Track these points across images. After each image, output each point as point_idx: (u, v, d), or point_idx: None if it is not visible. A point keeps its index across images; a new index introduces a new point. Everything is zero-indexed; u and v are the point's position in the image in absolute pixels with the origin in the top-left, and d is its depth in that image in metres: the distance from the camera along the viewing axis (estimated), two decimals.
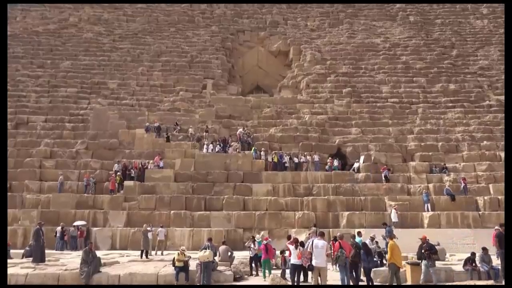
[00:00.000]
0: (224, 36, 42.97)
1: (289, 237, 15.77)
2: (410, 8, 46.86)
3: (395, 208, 23.90)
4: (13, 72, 36.17)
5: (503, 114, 32.19)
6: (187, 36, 42.94)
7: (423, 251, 14.00)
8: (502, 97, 34.19)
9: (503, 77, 36.22)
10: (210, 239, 16.74)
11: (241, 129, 30.89)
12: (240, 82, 40.98)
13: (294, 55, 41.30)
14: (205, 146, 29.11)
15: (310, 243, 12.38)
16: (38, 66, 37.66)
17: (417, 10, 46.62)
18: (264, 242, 15.70)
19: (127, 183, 26.23)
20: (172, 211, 24.47)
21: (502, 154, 27.69)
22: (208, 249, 15.03)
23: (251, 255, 16.19)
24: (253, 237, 16.89)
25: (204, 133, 30.83)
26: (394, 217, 23.48)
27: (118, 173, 26.52)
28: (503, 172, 22.87)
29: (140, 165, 27.26)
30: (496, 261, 14.80)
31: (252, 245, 16.25)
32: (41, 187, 26.68)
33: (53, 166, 28.14)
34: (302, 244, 13.30)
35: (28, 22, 43.70)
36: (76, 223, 22.83)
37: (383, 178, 27.05)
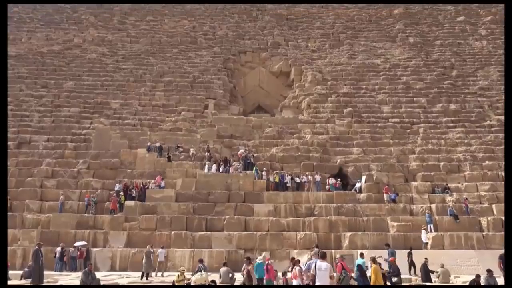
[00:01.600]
0: (226, 57, 43.47)
1: (292, 259, 15.60)
2: (409, 29, 47.47)
3: (424, 229, 23.67)
4: (17, 92, 36.53)
5: (504, 134, 32.29)
6: (189, 57, 43.45)
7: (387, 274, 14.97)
8: (503, 117, 34.28)
9: (503, 97, 36.37)
10: (201, 260, 16.55)
11: (242, 149, 30.95)
12: (242, 102, 41.24)
13: (295, 75, 41.67)
14: (207, 166, 29.08)
15: (313, 265, 12.21)
16: (41, 86, 38.03)
17: (416, 31, 47.21)
18: (266, 262, 15.49)
19: (128, 203, 26.14)
20: (172, 232, 24.29)
21: (504, 174, 27.54)
22: (202, 270, 14.81)
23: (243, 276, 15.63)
24: (248, 258, 16.46)
25: (206, 153, 30.85)
26: (424, 238, 23.21)
27: (121, 193, 26.47)
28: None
29: (141, 185, 27.21)
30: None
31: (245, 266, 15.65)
32: (41, 207, 26.59)
33: (54, 186, 28.11)
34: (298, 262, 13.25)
35: (33, 43, 44.33)
36: (76, 244, 22.65)
37: (391, 201, 26.77)
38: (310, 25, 49.23)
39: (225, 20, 49.99)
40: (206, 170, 28.88)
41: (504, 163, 28.44)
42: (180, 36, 46.57)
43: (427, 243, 23.38)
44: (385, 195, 27.20)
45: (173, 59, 42.77)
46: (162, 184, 27.64)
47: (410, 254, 20.97)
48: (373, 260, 14.77)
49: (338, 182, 28.62)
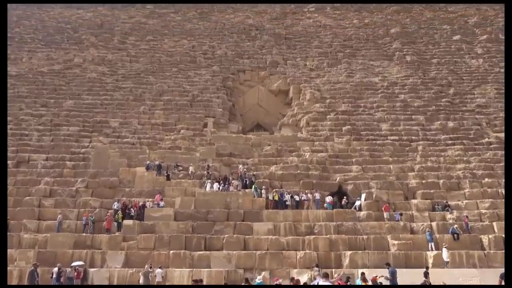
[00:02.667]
0: (225, 76, 43.82)
1: (292, 279, 15.42)
2: (406, 48, 48.03)
3: (445, 247, 23.43)
4: (17, 111, 36.64)
5: (503, 151, 32.33)
6: (188, 75, 43.80)
7: None
8: (501, 135, 34.40)
9: (501, 114, 36.68)
10: (199, 281, 16.21)
11: (241, 166, 30.92)
12: (241, 120, 41.39)
13: (294, 93, 41.96)
14: (208, 185, 28.94)
15: (316, 285, 12.07)
16: (41, 105, 38.18)
17: (413, 50, 47.76)
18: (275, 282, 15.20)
19: (126, 222, 25.92)
20: (171, 251, 24.02)
21: (504, 191, 27.47)
22: None
23: None
24: (246, 279, 16.30)
25: (205, 172, 30.78)
26: (445, 256, 22.91)
27: (119, 212, 26.29)
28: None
29: (140, 204, 27.06)
30: None
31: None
32: (39, 226, 26.34)
33: (52, 205, 27.92)
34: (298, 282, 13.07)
35: (34, 62, 44.70)
36: (74, 264, 22.36)
37: (396, 220, 26.52)
38: (308, 44, 49.83)
39: (224, 40, 50.59)
40: (208, 188, 28.75)
41: (504, 180, 28.42)
42: (180, 55, 47.03)
43: (448, 261, 22.84)
44: (385, 213, 27.04)
45: (173, 78, 43.08)
46: (161, 204, 27.49)
47: (426, 274, 19.85)
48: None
49: (332, 199, 28.49)
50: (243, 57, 47.06)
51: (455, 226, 25.28)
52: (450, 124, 36.05)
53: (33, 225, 26.27)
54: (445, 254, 22.97)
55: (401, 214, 26.93)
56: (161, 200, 27.71)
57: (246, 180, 29.67)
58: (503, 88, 40.01)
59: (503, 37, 48.55)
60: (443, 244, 23.82)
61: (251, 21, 55.21)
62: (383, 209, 27.33)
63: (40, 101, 38.70)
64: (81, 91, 40.50)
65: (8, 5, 49.89)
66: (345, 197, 29.30)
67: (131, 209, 26.84)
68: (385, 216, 26.92)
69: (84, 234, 25.47)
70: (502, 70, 42.84)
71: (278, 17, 56.63)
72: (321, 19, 55.76)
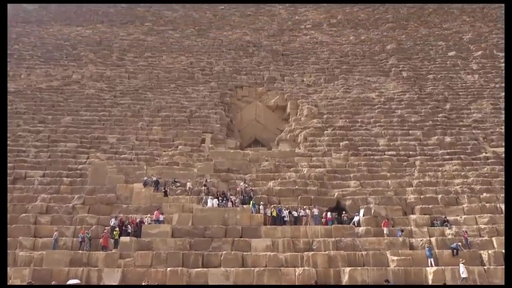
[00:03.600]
0: (223, 92, 44.05)
1: None
2: (402, 64, 48.51)
3: (462, 262, 23.16)
4: (14, 127, 36.62)
5: (501, 166, 32.44)
6: (186, 92, 44.01)
7: None
8: (498, 149, 34.59)
9: (497, 129, 36.91)
10: None
11: (242, 183, 30.90)
12: (239, 136, 41.44)
13: (291, 109, 42.15)
14: (209, 201, 28.78)
15: None
16: (39, 122, 38.18)
17: (409, 66, 48.23)
18: None
19: (123, 239, 25.67)
20: (168, 269, 23.72)
21: (503, 206, 27.47)
22: None
23: None
24: None
25: (203, 187, 30.67)
26: (463, 272, 22.57)
27: (116, 229, 26.07)
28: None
29: (137, 221, 26.85)
30: None
31: None
32: (35, 243, 26.04)
33: (48, 222, 27.69)
34: None
35: (32, 79, 44.87)
36: (69, 282, 22.06)
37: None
38: (305, 60, 50.29)
39: (222, 56, 51.02)
40: (209, 204, 28.59)
41: (503, 195, 28.44)
42: (178, 72, 47.33)
43: (466, 277, 22.47)
44: (384, 229, 26.87)
45: (171, 94, 43.28)
46: (161, 218, 27.34)
47: None
48: None
49: (330, 215, 28.36)
50: (240, 73, 47.39)
51: (459, 243, 25.04)
52: (447, 139, 36.18)
53: (28, 242, 25.99)
54: (462, 270, 22.66)
55: (402, 231, 26.71)
56: (162, 214, 27.53)
57: (245, 196, 29.54)
58: (499, 103, 40.46)
59: (498, 53, 49.28)
60: (460, 260, 23.49)
61: (248, 37, 55.79)
62: (382, 224, 27.19)
63: (38, 117, 38.72)
64: (79, 107, 40.58)
65: (8, 22, 50.35)
66: (344, 212, 29.19)
67: (128, 225, 26.62)
68: (384, 232, 26.75)
69: (80, 251, 25.18)
70: (498, 86, 43.30)
71: (275, 34, 57.29)
72: (317, 35, 56.42)
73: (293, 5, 66.57)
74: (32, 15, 60.22)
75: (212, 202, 28.57)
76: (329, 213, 28.55)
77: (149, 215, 27.65)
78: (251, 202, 28.73)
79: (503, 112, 38.92)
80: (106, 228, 26.52)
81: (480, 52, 49.56)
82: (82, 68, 47.36)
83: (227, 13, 64.04)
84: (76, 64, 48.02)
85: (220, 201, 28.88)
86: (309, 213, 28.37)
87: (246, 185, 30.97)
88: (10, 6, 60.35)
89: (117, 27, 57.81)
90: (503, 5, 61.57)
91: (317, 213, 28.38)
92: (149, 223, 27.06)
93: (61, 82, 44.56)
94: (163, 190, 30.06)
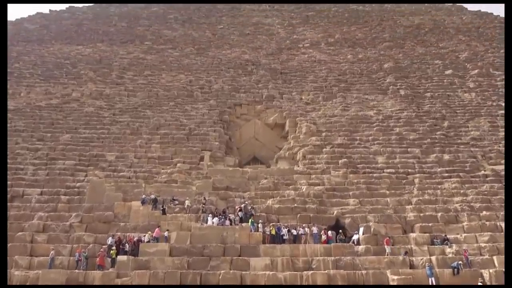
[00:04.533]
0: (222, 110, 44.22)
1: None
2: (400, 82, 48.91)
3: (481, 282, 22.85)
4: (13, 145, 36.56)
5: (500, 184, 32.43)
6: (185, 109, 44.18)
7: None
8: (497, 167, 34.62)
9: (495, 147, 37.03)
10: None
11: (242, 200, 30.78)
12: (237, 154, 41.43)
13: (290, 127, 42.28)
14: (209, 220, 28.56)
15: None
16: (38, 139, 38.16)
17: (406, 84, 48.62)
18: None
19: (120, 258, 25.38)
20: None
21: (503, 225, 27.34)
22: None
23: None
24: None
25: (201, 205, 30.50)
26: None
27: (113, 248, 25.79)
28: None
29: (135, 239, 26.60)
30: None
31: None
32: (30, 263, 25.73)
33: (45, 241, 27.40)
34: None
35: (32, 97, 45.02)
36: None
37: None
38: (303, 78, 50.68)
39: (221, 74, 51.41)
40: (209, 222, 28.36)
41: (503, 213, 28.34)
42: (177, 90, 47.61)
43: None
44: (386, 247, 26.61)
45: (170, 112, 43.42)
46: (166, 234, 27.20)
47: None
48: None
49: (330, 233, 28.17)
50: (239, 91, 47.69)
51: (460, 262, 24.83)
52: (446, 156, 36.23)
53: (24, 261, 25.67)
54: None
55: (406, 253, 26.37)
56: (167, 231, 27.46)
57: (246, 214, 29.36)
58: (497, 121, 40.71)
59: (494, 72, 49.82)
60: (479, 279, 23.20)
61: (247, 56, 56.33)
62: (384, 242, 26.92)
63: (36, 135, 38.73)
64: (78, 125, 40.64)
65: (8, 41, 50.85)
66: (340, 231, 28.91)
67: (126, 244, 26.35)
68: (386, 251, 26.47)
69: (76, 270, 24.84)
70: (495, 104, 43.63)
71: (273, 52, 57.88)
72: (315, 54, 57.00)
73: (291, 25, 67.52)
74: (33, 34, 60.81)
75: (212, 221, 28.36)
76: (329, 232, 28.33)
77: (149, 232, 27.42)
78: (250, 220, 28.55)
79: (501, 130, 39.14)
80: (103, 246, 26.25)
81: (476, 71, 50.06)
82: (81, 86, 47.58)
83: (226, 32, 64.85)
84: (76, 82, 48.25)
85: (220, 219, 28.68)
86: (308, 232, 28.16)
87: (247, 202, 30.80)
88: (11, 25, 61.09)
89: (117, 46, 58.36)
90: (498, 24, 62.63)
91: (316, 232, 28.17)
92: (148, 241, 26.77)
93: (61, 100, 44.70)
94: (161, 208, 29.87)
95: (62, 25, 64.84)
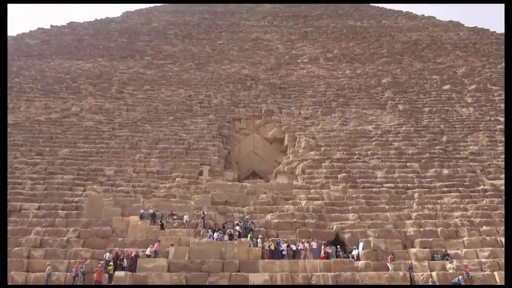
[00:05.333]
0: (221, 124, 44.32)
1: None
2: (398, 97, 49.18)
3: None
4: (11, 159, 36.47)
5: (499, 199, 32.35)
6: (185, 124, 44.28)
7: None
8: (496, 182, 34.60)
9: (494, 161, 37.05)
10: None
11: (242, 215, 30.61)
12: (236, 168, 41.37)
13: (289, 141, 42.34)
14: (209, 234, 28.34)
15: None
16: (36, 154, 38.11)
17: (405, 99, 48.88)
18: None
19: (117, 273, 25.06)
20: None
21: (503, 240, 27.16)
22: None
23: None
24: None
25: (200, 220, 30.32)
26: None
27: (111, 263, 25.53)
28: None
29: (133, 254, 26.35)
30: None
31: None
32: (27, 278, 25.41)
33: (41, 256, 27.12)
34: None
35: (31, 111, 45.13)
36: None
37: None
38: (302, 93, 50.96)
39: (220, 89, 51.68)
40: (209, 237, 28.16)
41: (503, 227, 28.20)
42: (176, 104, 47.78)
43: None
44: (389, 265, 26.32)
45: (169, 126, 43.51)
46: (170, 248, 27.04)
47: None
48: None
49: (328, 250, 27.92)
50: (238, 106, 47.87)
51: (460, 278, 24.60)
52: (445, 171, 36.21)
53: (20, 277, 25.35)
54: None
55: (410, 268, 26.11)
56: (171, 246, 27.30)
57: (246, 228, 29.16)
58: (495, 135, 40.84)
59: (492, 87, 50.17)
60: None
61: (246, 71, 56.73)
62: (387, 260, 26.59)
63: (35, 149, 38.70)
64: (77, 139, 40.65)
65: (9, 55, 51.22)
66: (338, 246, 28.67)
67: (124, 259, 26.09)
68: (390, 268, 26.15)
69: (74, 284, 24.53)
70: (493, 119, 43.82)
71: (272, 67, 58.31)
72: (314, 69, 57.44)
73: (290, 40, 68.18)
74: (34, 49, 61.29)
75: (213, 236, 28.16)
76: (328, 248, 28.08)
77: (150, 246, 27.21)
78: (249, 235, 28.35)
79: (500, 144, 39.25)
80: (101, 262, 25.99)
81: (474, 86, 50.41)
82: (81, 100, 47.75)
83: (225, 47, 65.44)
84: (76, 97, 48.44)
85: (221, 234, 28.50)
86: (307, 247, 27.94)
87: (246, 217, 30.62)
88: (12, 40, 61.61)
89: (117, 61, 58.79)
90: (495, 40, 63.36)
91: (315, 247, 27.95)
92: (148, 255, 26.54)
93: (60, 115, 44.80)
94: (160, 223, 29.67)
95: (63, 40, 65.44)
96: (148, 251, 26.73)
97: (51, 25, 71.74)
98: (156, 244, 27.26)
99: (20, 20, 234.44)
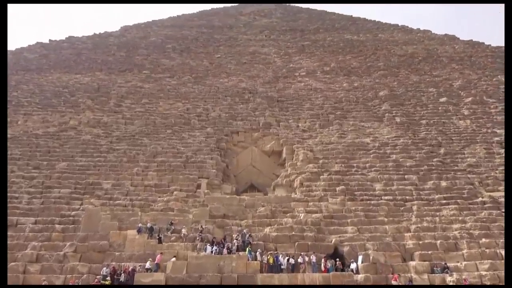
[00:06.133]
0: (219, 137, 44.36)
1: None
2: (395, 110, 49.42)
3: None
4: (8, 173, 36.25)
5: (498, 211, 32.31)
6: (182, 137, 44.28)
7: None
8: (495, 194, 34.58)
9: (492, 173, 37.10)
10: None
11: (240, 228, 30.47)
12: (235, 181, 41.26)
13: (287, 154, 42.35)
14: (208, 248, 28.13)
15: None
16: (33, 168, 37.96)
17: (402, 111, 49.12)
18: None
19: None
20: None
21: (503, 252, 27.04)
22: None
23: None
24: None
25: (198, 234, 30.11)
26: None
27: (108, 278, 25.25)
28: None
29: (130, 269, 26.09)
30: None
31: None
32: None
33: (37, 271, 26.80)
34: None
35: (29, 125, 45.08)
36: None
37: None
38: (300, 106, 51.16)
39: (218, 102, 51.84)
40: (208, 251, 27.95)
41: (503, 240, 28.09)
42: (174, 118, 47.85)
43: None
44: (393, 282, 26.04)
45: (167, 140, 43.49)
46: (173, 259, 26.86)
47: None
48: None
49: (329, 265, 27.68)
50: (236, 119, 47.97)
51: None
52: (443, 183, 36.21)
53: None
54: None
55: (410, 281, 25.88)
56: (174, 257, 27.20)
57: (244, 242, 28.96)
58: (492, 147, 40.97)
59: (488, 99, 50.51)
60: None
61: (244, 84, 57.00)
62: (392, 280, 26.28)
63: (32, 163, 38.55)
64: (75, 153, 40.54)
65: (8, 70, 51.33)
66: (337, 259, 28.41)
67: (121, 274, 25.82)
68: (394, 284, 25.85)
69: None
70: (490, 131, 44.02)
71: (270, 81, 58.63)
72: (311, 82, 57.77)
73: (287, 54, 68.70)
74: (32, 63, 61.54)
75: (212, 250, 27.96)
76: (328, 261, 27.83)
77: (150, 259, 26.99)
78: (247, 249, 28.15)
79: (497, 156, 39.37)
80: (97, 277, 25.71)
81: (470, 99, 50.75)
82: (79, 114, 47.76)
83: (223, 61, 65.86)
84: (74, 111, 48.46)
85: (221, 248, 28.30)
86: (306, 260, 27.73)
87: (245, 231, 30.44)
88: (10, 54, 61.86)
89: (115, 74, 59.02)
90: (490, 53, 64.04)
91: (314, 260, 27.74)
92: (148, 268, 26.28)
93: (58, 128, 44.76)
94: (157, 237, 29.45)
95: (61, 54, 65.76)
96: (148, 264, 26.50)
97: (49, 40, 72.20)
98: (158, 256, 27.10)
99: (19, 35, 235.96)
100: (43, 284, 24.93)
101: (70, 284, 24.99)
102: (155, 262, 26.71)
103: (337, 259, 28.44)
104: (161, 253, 27.46)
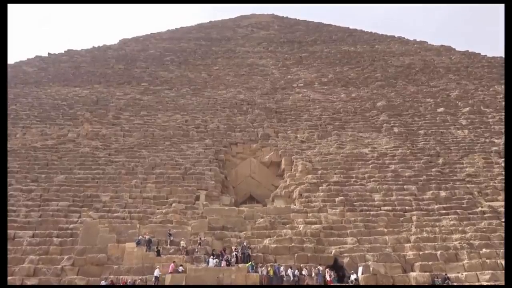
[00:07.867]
0: (218, 149, 44.35)
1: None
2: (393, 120, 49.57)
3: None
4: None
5: (498, 221, 32.22)
6: (181, 149, 44.25)
7: None
8: (494, 203, 34.52)
9: (491, 183, 37.08)
10: None
11: (240, 240, 30.34)
12: (233, 193, 41.15)
13: (285, 165, 42.31)
14: (210, 261, 27.94)
15: None
16: (32, 181, 37.83)
17: (400, 122, 49.27)
18: None
19: None
20: None
21: (503, 262, 26.89)
22: None
23: None
24: None
25: (197, 246, 29.91)
26: None
27: None
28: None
29: (128, 282, 25.85)
30: None
31: None
32: None
33: (35, 285, 26.48)
34: None
35: (27, 138, 45.04)
36: None
37: None
38: (298, 117, 51.28)
39: (217, 114, 51.94)
40: (210, 264, 27.78)
41: (503, 250, 27.96)
42: (173, 129, 47.89)
43: None
44: None
45: (165, 152, 43.45)
46: (180, 269, 26.88)
47: None
48: None
49: (331, 276, 27.48)
50: (235, 131, 48.03)
51: None
52: (442, 193, 36.16)
53: None
54: None
55: None
56: (180, 266, 27.22)
57: (243, 253, 28.76)
58: (491, 157, 41.02)
59: (485, 109, 50.74)
60: None
61: (242, 96, 57.18)
62: None
63: (31, 176, 38.43)
64: (73, 165, 40.45)
65: (7, 83, 51.36)
66: (333, 271, 28.22)
67: None
68: None
69: None
70: (488, 140, 44.13)
71: (268, 92, 58.81)
72: (309, 93, 57.98)
73: (285, 65, 69.09)
74: (31, 76, 61.72)
75: (213, 262, 27.76)
76: (333, 272, 27.61)
77: (158, 267, 27.01)
78: (250, 263, 27.94)
79: (496, 166, 39.40)
80: None
81: (468, 109, 50.98)
82: (78, 127, 47.76)
83: (221, 73, 66.14)
84: (72, 123, 48.47)
85: (221, 260, 28.11)
86: (306, 272, 27.52)
87: (245, 242, 30.25)
88: (9, 68, 62.03)
89: (114, 87, 59.17)
90: (486, 63, 64.52)
91: (315, 272, 27.51)
92: (157, 276, 26.25)
93: (56, 141, 44.71)
94: (156, 250, 29.24)
95: (60, 67, 65.99)
96: (157, 272, 26.36)
97: (48, 53, 72.48)
98: (171, 264, 27.10)
99: (18, 49, 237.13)
100: None
101: None
102: (170, 271, 26.82)
103: (334, 270, 28.19)
104: (174, 262, 27.47)
